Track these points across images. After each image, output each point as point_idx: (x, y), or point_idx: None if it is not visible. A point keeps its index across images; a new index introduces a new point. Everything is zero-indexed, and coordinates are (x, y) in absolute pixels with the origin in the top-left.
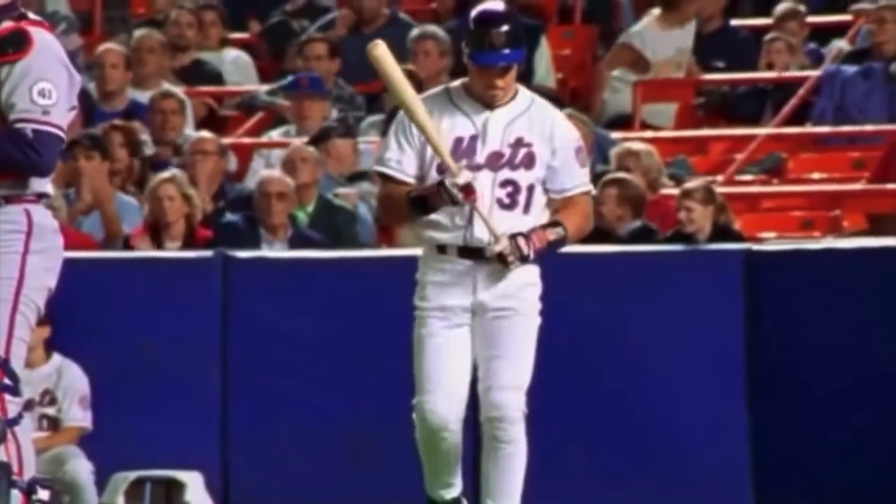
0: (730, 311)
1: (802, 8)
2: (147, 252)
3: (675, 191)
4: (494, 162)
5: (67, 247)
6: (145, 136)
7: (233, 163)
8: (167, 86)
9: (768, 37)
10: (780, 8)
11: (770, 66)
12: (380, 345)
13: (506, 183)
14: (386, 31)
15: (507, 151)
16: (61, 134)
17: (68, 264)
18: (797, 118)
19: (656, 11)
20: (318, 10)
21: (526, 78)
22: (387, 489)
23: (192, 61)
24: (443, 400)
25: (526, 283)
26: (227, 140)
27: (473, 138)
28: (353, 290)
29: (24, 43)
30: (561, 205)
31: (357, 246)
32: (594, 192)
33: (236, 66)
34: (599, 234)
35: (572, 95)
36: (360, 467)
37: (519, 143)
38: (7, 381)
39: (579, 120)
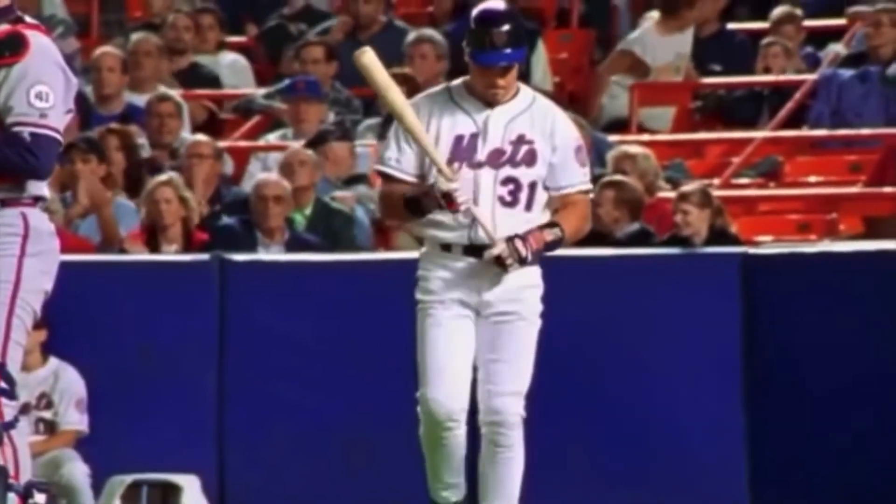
0: (727, 314)
1: (799, 12)
2: (144, 255)
3: (671, 194)
4: (496, 159)
5: (64, 250)
6: (142, 140)
7: (229, 166)
8: (164, 89)
9: (765, 40)
10: (776, 12)
11: (767, 70)
12: (377, 348)
13: (507, 180)
14: (382, 36)
15: (509, 149)
16: (59, 137)
17: (65, 267)
18: (794, 122)
19: (655, 15)
20: (315, 13)
21: (523, 81)
22: (384, 493)
23: (189, 65)
24: (447, 390)
25: (528, 284)
26: (223, 143)
27: (474, 136)
28: (350, 293)
29: (20, 46)
30: (559, 204)
31: (354, 249)
32: (593, 194)
33: (233, 70)
34: (597, 236)
35: (569, 99)
36: (357, 471)
37: (520, 140)
38: (3, 384)
39: (577, 123)
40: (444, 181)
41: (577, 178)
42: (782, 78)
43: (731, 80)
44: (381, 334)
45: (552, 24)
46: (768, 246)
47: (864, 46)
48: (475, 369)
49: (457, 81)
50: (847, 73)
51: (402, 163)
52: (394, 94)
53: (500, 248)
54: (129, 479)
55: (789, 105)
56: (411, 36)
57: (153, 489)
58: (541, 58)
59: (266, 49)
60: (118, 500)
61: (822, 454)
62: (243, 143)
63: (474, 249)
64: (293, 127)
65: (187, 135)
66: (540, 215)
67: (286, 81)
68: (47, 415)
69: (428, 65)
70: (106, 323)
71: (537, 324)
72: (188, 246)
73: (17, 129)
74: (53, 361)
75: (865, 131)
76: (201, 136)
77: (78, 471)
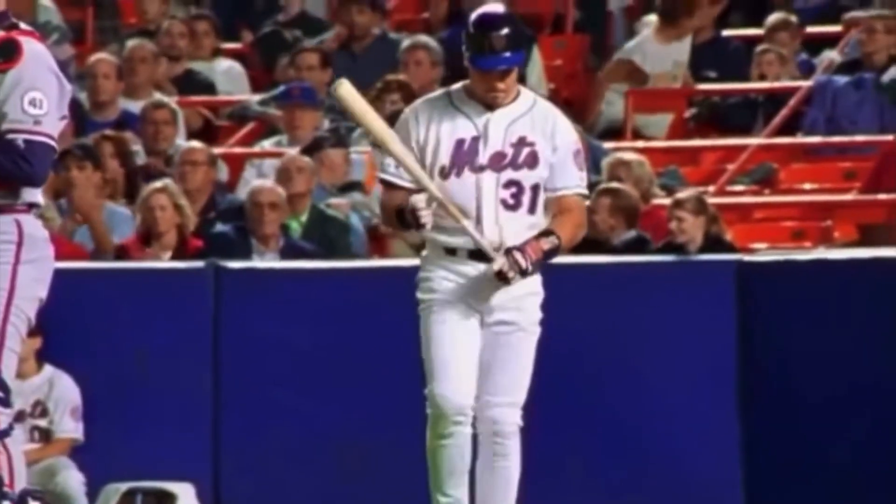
0: (722, 321)
1: (794, 18)
2: (138, 262)
3: (666, 201)
4: (497, 162)
5: (59, 257)
6: (137, 147)
7: (224, 173)
8: (159, 96)
9: (760, 47)
10: (771, 18)
11: (761, 77)
12: (372, 355)
13: (509, 184)
14: (376, 46)
15: (510, 151)
16: (53, 144)
17: (59, 275)
18: (788, 129)
19: (652, 21)
20: (310, 20)
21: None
22: (379, 500)
23: (184, 71)
24: (455, 386)
25: (529, 292)
26: (218, 150)
27: (475, 139)
28: (345, 300)
29: (14, 52)
30: (555, 208)
31: (349, 256)
32: (589, 201)
33: (228, 76)
34: (592, 244)
35: (564, 105)
36: (352, 478)
37: (521, 142)
38: None
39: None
40: (416, 197)
41: (573, 181)
42: (777, 85)
43: (725, 87)
44: (376, 341)
45: (547, 30)
46: (763, 253)
47: (858, 53)
48: None
49: (456, 85)
50: (842, 79)
51: (400, 170)
52: (373, 121)
53: (500, 263)
54: (124, 487)
55: (784, 112)
56: (406, 42)
57: (148, 497)
58: (536, 64)
59: (261, 56)
60: None
61: (816, 462)
62: (238, 150)
63: (480, 254)
64: (288, 134)
65: (182, 142)
66: (543, 218)
67: (281, 88)
68: (42, 423)
69: (423, 71)
70: (101, 330)
71: (536, 333)
72: (183, 253)
73: (11, 135)
74: (48, 369)
75: (860, 138)
76: (195, 143)
77: (73, 479)
